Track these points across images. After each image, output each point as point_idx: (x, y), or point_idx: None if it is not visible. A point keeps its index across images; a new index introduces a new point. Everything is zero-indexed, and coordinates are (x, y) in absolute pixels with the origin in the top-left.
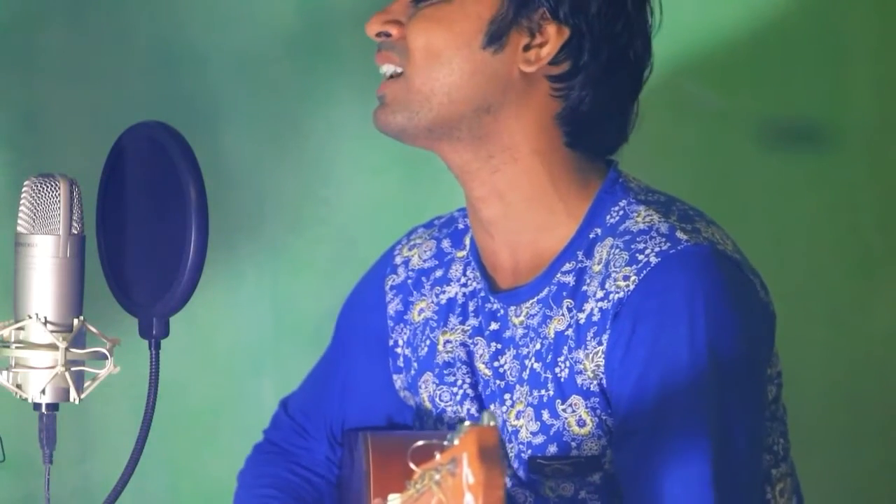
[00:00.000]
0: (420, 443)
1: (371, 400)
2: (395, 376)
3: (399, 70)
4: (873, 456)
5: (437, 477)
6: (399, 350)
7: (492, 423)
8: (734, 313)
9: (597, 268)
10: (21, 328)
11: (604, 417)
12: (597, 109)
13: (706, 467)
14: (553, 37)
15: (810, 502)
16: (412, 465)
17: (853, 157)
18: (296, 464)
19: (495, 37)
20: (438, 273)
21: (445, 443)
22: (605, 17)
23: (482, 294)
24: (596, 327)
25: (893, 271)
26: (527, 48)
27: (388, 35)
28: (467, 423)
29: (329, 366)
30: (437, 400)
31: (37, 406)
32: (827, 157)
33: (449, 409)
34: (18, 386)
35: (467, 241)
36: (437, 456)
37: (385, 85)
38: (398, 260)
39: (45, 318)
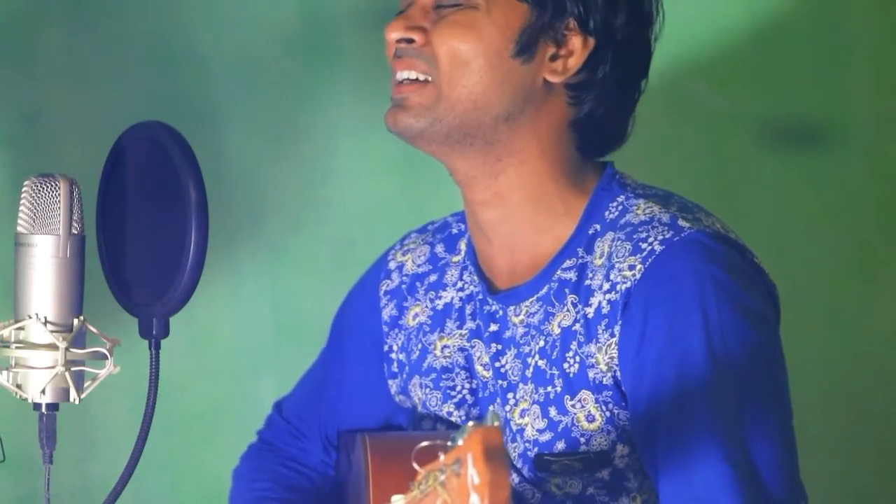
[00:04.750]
0: (424, 443)
1: (366, 404)
2: (390, 381)
3: (426, 78)
4: (873, 456)
5: (441, 478)
6: (394, 355)
7: (496, 423)
8: (744, 295)
9: (599, 261)
10: (21, 328)
11: (616, 411)
12: (609, 115)
13: (735, 450)
14: (579, 48)
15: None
16: (416, 466)
17: (853, 157)
18: (290, 459)
19: (526, 47)
20: (433, 278)
21: (449, 443)
22: (629, 28)
23: (480, 297)
24: (607, 319)
25: (893, 271)
26: (553, 58)
27: (410, 41)
28: (471, 423)
29: (324, 370)
30: (427, 404)
31: (37, 406)
32: (827, 157)
33: (442, 412)
34: (18, 386)
35: (462, 246)
36: (441, 457)
37: (407, 87)
38: (392, 265)
39: (45, 318)
